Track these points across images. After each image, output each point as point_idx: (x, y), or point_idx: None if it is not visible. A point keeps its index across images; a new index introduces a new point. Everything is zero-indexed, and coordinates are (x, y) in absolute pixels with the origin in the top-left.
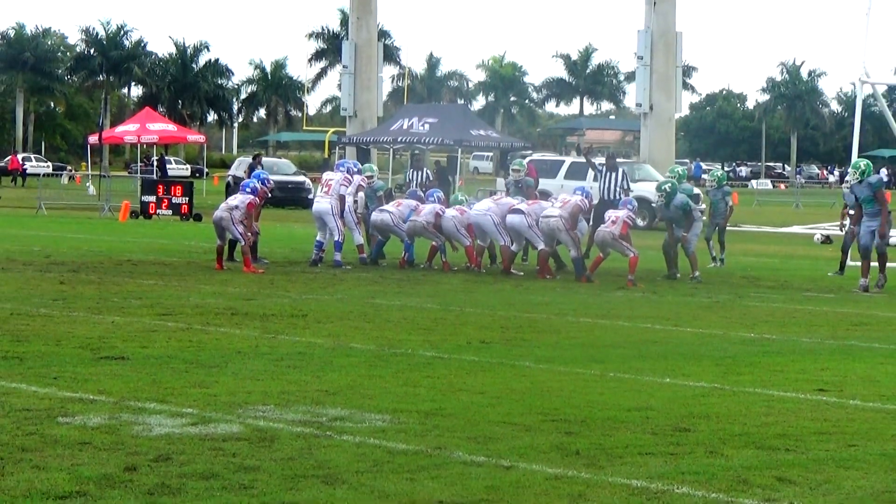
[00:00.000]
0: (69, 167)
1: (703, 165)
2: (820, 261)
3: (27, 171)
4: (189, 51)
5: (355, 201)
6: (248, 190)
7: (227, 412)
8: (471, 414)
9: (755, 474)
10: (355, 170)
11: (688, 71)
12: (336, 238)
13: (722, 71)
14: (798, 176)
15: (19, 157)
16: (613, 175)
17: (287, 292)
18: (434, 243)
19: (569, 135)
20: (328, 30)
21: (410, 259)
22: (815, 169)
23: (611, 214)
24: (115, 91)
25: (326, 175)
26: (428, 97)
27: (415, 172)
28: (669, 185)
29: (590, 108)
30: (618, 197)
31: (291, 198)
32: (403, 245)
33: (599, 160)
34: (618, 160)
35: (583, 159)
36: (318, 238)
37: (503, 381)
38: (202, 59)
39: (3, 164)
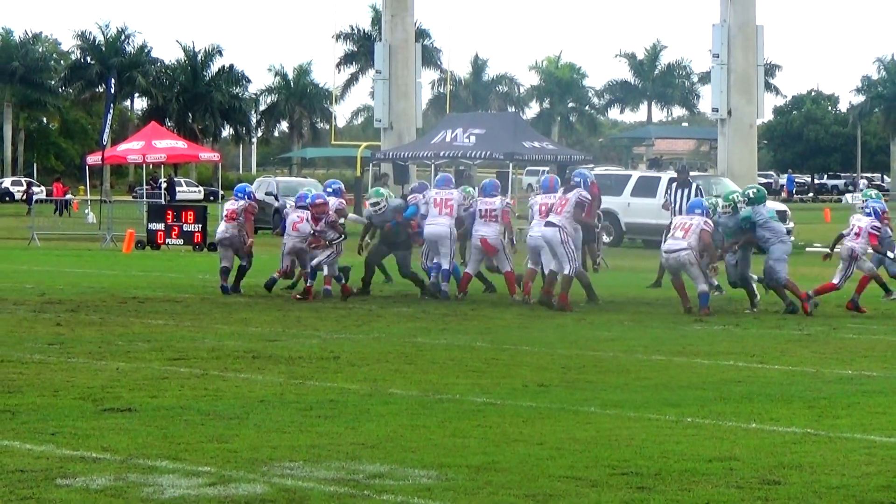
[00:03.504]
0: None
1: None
2: None
3: (13, 197)
4: (200, 56)
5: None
6: (240, 195)
7: (250, 470)
8: (528, 468)
9: None
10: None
11: (771, 70)
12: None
13: (810, 70)
14: None
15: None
16: (686, 192)
17: (316, 331)
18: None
19: (635, 145)
20: (358, 30)
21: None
22: None
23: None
24: (117, 104)
25: (440, 194)
26: (474, 105)
27: None
28: (737, 194)
29: (659, 115)
30: None
31: None
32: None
33: (669, 174)
34: (691, 174)
35: (653, 173)
36: (433, 262)
37: (565, 429)
38: (215, 66)
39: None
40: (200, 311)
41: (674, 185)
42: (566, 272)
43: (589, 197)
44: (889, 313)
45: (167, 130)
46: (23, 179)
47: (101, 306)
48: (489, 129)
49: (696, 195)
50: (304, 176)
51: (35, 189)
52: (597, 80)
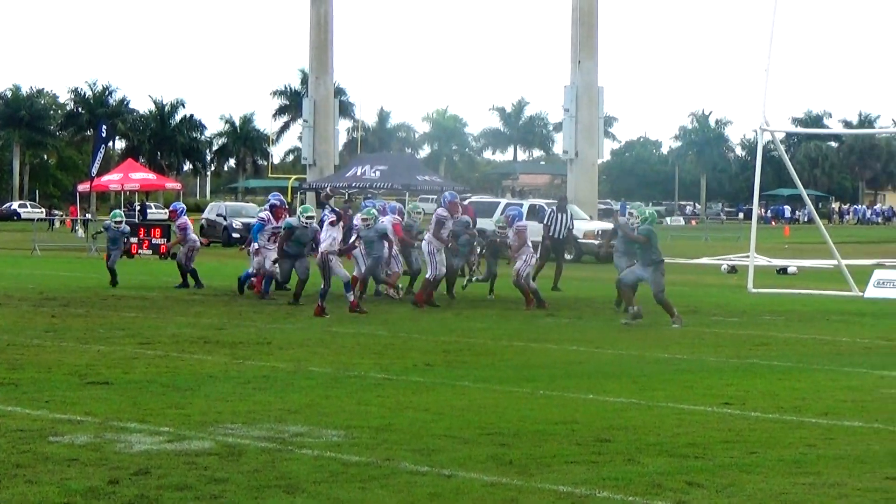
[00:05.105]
0: (59, 212)
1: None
2: (726, 288)
3: (21, 216)
4: (167, 108)
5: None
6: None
7: (200, 430)
8: (416, 429)
9: (667, 479)
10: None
11: (609, 121)
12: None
13: (639, 121)
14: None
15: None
16: (563, 216)
17: (254, 322)
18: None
19: (504, 179)
20: (290, 88)
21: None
22: (719, 207)
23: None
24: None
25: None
26: (379, 147)
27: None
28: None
29: (522, 155)
30: (563, 236)
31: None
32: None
33: (529, 201)
34: (546, 202)
35: (517, 200)
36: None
37: (445, 399)
38: (178, 115)
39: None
40: (164, 306)
41: (553, 208)
42: (427, 276)
43: (445, 215)
44: (697, 309)
45: (141, 165)
46: (27, 203)
47: (86, 302)
48: (391, 165)
49: (570, 219)
50: (247, 201)
51: (56, 212)
52: (475, 127)
